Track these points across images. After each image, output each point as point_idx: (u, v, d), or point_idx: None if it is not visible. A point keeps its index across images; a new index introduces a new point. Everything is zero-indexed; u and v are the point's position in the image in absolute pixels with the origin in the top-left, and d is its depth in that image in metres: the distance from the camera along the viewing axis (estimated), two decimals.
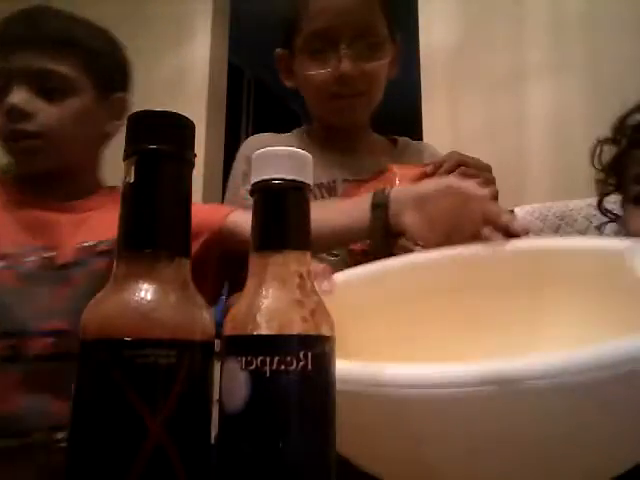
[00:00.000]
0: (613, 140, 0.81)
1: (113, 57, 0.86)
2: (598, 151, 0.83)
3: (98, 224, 0.80)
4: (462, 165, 0.73)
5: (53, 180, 0.81)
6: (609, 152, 0.83)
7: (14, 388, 0.68)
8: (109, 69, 0.84)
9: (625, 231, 0.80)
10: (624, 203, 0.80)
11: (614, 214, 0.84)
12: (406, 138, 0.97)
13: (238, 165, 0.92)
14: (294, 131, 0.96)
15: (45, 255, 0.75)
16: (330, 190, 0.84)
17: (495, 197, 0.69)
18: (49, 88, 0.77)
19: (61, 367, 0.70)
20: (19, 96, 0.75)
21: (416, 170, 0.77)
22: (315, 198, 0.83)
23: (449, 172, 0.72)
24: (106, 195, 0.86)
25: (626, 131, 0.79)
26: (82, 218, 0.81)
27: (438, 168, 0.73)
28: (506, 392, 0.30)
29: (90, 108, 0.81)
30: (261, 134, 0.96)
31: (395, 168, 0.78)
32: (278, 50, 0.90)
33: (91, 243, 0.78)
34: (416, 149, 0.96)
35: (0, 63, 0.77)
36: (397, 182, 0.74)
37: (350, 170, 0.87)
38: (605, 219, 0.86)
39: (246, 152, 0.91)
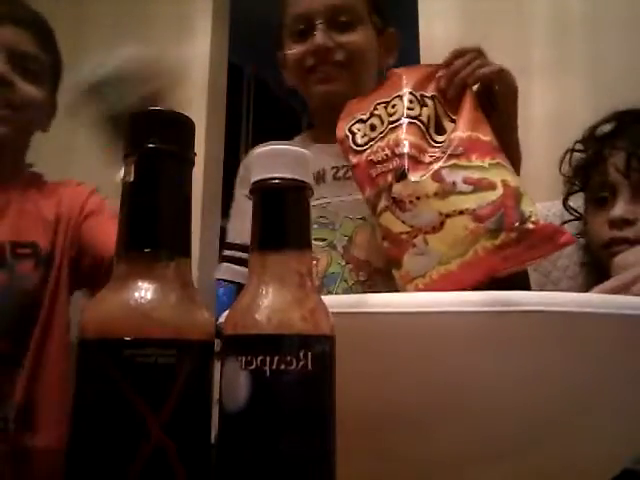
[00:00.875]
0: (582, 149, 0.88)
1: None
2: (568, 157, 0.90)
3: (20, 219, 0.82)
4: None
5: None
6: (578, 155, 0.89)
7: None
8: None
9: (585, 228, 0.87)
10: (587, 203, 0.87)
11: (578, 213, 0.90)
12: None
13: (239, 178, 0.95)
14: (296, 138, 0.97)
15: None
16: (318, 179, 0.85)
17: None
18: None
19: None
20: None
21: (422, 70, 0.73)
22: None
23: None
24: (29, 184, 0.89)
25: (594, 141, 0.84)
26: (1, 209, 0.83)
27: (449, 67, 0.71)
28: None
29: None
30: (264, 144, 0.97)
31: (398, 70, 0.74)
32: (279, 54, 0.92)
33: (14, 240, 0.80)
34: None
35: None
36: (404, 83, 0.71)
37: (338, 156, 0.86)
38: (570, 216, 0.91)
39: (244, 161, 0.95)
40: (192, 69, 2.14)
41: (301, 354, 0.28)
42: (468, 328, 0.32)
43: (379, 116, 0.69)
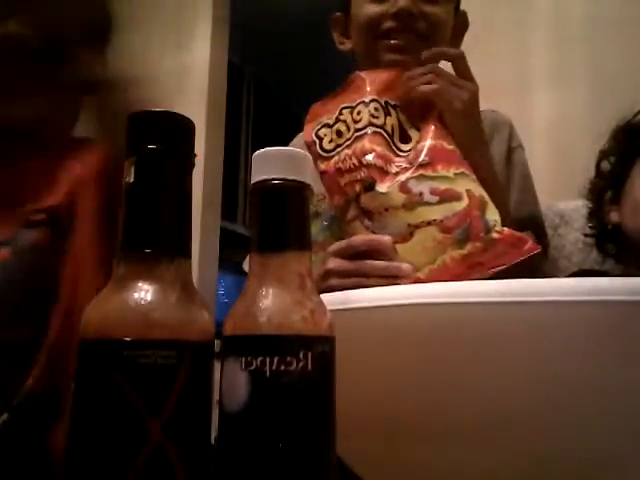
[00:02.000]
0: (614, 149, 0.84)
1: None
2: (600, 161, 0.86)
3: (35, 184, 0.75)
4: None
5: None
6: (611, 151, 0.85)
7: None
8: None
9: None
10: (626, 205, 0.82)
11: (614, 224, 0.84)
12: None
13: None
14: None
15: None
16: None
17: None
18: None
19: None
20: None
21: (386, 75, 0.72)
22: None
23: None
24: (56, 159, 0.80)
25: (627, 139, 0.81)
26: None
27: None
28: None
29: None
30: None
31: (362, 74, 0.72)
32: (336, 14, 0.87)
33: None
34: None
35: None
36: (368, 88, 0.69)
37: None
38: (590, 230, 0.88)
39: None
40: (192, 70, 2.14)
41: (301, 355, 0.28)
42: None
43: (345, 122, 0.68)
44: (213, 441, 0.29)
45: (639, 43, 1.41)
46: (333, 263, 0.63)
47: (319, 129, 0.71)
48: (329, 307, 0.31)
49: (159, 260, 0.29)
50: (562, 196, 1.09)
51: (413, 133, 0.68)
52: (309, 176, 0.32)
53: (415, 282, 0.58)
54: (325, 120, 0.71)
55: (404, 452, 0.35)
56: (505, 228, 0.59)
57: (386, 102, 0.68)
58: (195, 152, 0.31)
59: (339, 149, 0.67)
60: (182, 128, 0.31)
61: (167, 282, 0.29)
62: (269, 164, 0.31)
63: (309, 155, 0.32)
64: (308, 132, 0.71)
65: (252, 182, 0.31)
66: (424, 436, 0.34)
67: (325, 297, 0.32)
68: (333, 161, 0.67)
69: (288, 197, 0.31)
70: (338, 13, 0.87)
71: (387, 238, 0.60)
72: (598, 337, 0.30)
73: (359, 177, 0.63)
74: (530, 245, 0.59)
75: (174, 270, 0.29)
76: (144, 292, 0.28)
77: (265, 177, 0.31)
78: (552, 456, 0.32)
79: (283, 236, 0.31)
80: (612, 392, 0.30)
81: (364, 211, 0.63)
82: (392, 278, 0.58)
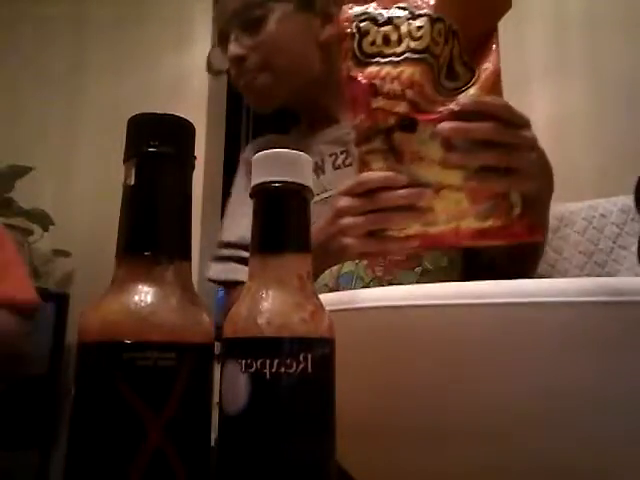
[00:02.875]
0: None
1: None
2: None
3: None
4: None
5: None
6: None
7: None
8: None
9: None
10: None
11: None
12: None
13: (239, 171, 0.92)
14: (292, 130, 0.95)
15: None
16: (317, 170, 0.82)
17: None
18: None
19: None
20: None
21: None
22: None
23: None
24: None
25: None
26: None
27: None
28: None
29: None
30: (261, 138, 0.95)
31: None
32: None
33: None
34: None
35: None
36: None
37: (333, 143, 0.84)
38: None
39: (247, 157, 0.91)
40: (192, 71, 2.14)
41: (301, 357, 0.28)
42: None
43: (398, 28, 0.53)
44: (213, 443, 0.29)
45: (638, 39, 1.41)
46: (344, 201, 0.56)
47: (363, 18, 0.54)
48: (329, 308, 0.31)
49: (159, 262, 0.29)
50: (564, 196, 1.09)
51: (460, 69, 0.55)
52: (309, 178, 0.32)
53: (423, 235, 0.52)
54: (373, 10, 0.54)
55: (403, 455, 0.35)
56: (522, 211, 0.53)
57: (450, 26, 0.54)
58: (195, 154, 0.31)
59: (381, 60, 0.53)
60: (182, 130, 0.31)
61: (167, 284, 0.29)
62: (269, 166, 0.31)
63: (309, 157, 0.32)
64: (347, 16, 0.55)
65: (252, 184, 0.31)
66: (423, 438, 0.34)
67: (325, 297, 0.32)
68: (368, 71, 0.53)
69: (288, 199, 0.31)
70: None
71: (404, 177, 0.52)
72: (598, 338, 0.30)
73: (398, 110, 0.52)
74: (539, 235, 0.55)
75: (174, 272, 0.29)
76: (144, 294, 0.28)
77: (265, 179, 0.31)
78: (551, 458, 0.32)
79: (283, 238, 0.31)
80: (612, 396, 0.30)
81: (393, 149, 0.53)
82: (413, 210, 0.52)
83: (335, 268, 0.75)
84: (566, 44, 1.49)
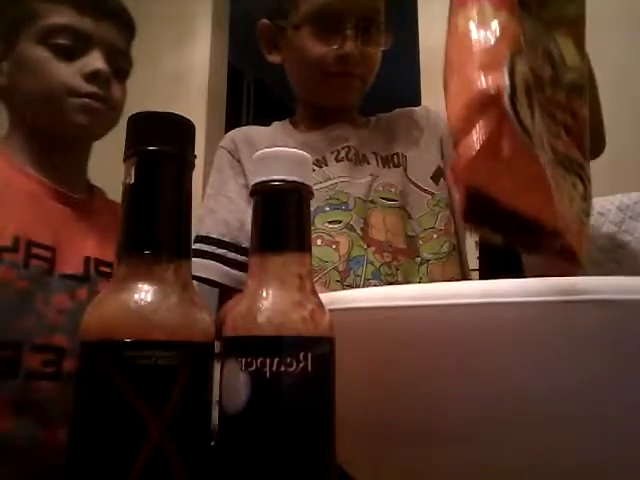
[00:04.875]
0: None
1: None
2: None
3: (104, 236, 0.77)
4: None
5: (78, 156, 0.81)
6: None
7: (4, 407, 0.63)
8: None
9: None
10: None
11: None
12: (380, 114, 0.94)
13: (219, 159, 0.87)
14: (275, 123, 0.93)
15: (49, 256, 0.70)
16: (319, 164, 0.82)
17: None
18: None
19: (56, 389, 0.65)
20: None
21: None
22: None
23: None
24: (102, 199, 0.85)
25: None
26: (89, 221, 0.78)
27: None
28: None
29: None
30: (241, 128, 0.93)
31: None
32: (263, 21, 0.87)
33: (98, 257, 0.75)
34: (394, 116, 0.92)
35: None
36: None
37: (336, 140, 0.85)
38: None
39: (228, 146, 0.87)
40: (192, 71, 2.14)
41: (301, 356, 0.28)
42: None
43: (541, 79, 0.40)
44: (213, 442, 0.29)
45: (635, 39, 1.41)
46: None
47: (513, 69, 0.32)
48: (329, 307, 0.31)
49: (159, 262, 0.29)
50: None
51: None
52: (309, 177, 0.32)
53: None
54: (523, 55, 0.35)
55: (403, 455, 0.35)
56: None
57: None
58: (195, 153, 0.31)
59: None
60: (182, 129, 0.31)
61: (167, 283, 0.29)
62: (269, 165, 0.31)
63: (309, 156, 0.32)
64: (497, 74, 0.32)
65: (252, 183, 0.31)
66: (423, 439, 0.34)
67: (325, 297, 0.32)
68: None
69: (288, 198, 0.31)
70: (266, 20, 0.87)
71: None
72: (597, 338, 0.30)
73: None
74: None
75: (174, 271, 0.29)
76: (144, 293, 0.28)
77: (265, 178, 0.31)
78: (549, 460, 0.32)
79: (283, 237, 0.31)
80: (607, 395, 0.30)
81: None
82: None
83: (344, 252, 0.75)
84: None
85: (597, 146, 0.69)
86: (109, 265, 0.77)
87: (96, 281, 0.74)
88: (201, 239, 0.79)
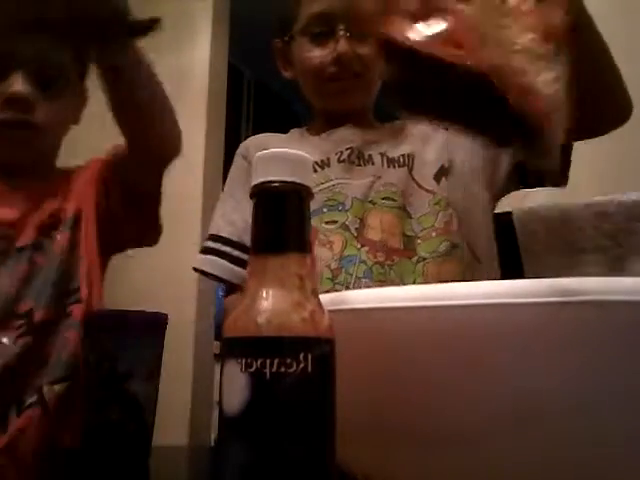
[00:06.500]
0: None
1: None
2: None
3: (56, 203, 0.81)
4: None
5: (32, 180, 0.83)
6: None
7: None
8: None
9: None
10: None
11: None
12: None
13: (233, 164, 0.92)
14: (292, 130, 0.96)
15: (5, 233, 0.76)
16: (323, 165, 0.83)
17: None
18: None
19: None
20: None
21: None
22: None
23: None
24: (61, 179, 0.86)
25: None
26: (41, 200, 0.81)
27: None
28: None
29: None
30: (258, 135, 0.96)
31: None
32: (276, 41, 0.90)
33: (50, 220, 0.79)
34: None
35: None
36: None
37: (341, 141, 0.85)
38: None
39: (242, 152, 0.91)
40: (193, 70, 2.15)
41: (301, 356, 0.28)
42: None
43: None
44: (213, 442, 0.29)
45: (639, 39, 1.41)
46: None
47: None
48: (328, 308, 0.31)
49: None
50: (562, 195, 1.10)
51: None
52: (309, 178, 0.32)
53: None
54: None
55: (403, 456, 0.35)
56: None
57: None
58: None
59: None
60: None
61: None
62: (269, 166, 0.31)
63: (309, 157, 0.32)
64: None
65: (252, 184, 0.31)
66: (422, 439, 0.34)
67: (324, 298, 0.32)
68: None
69: (287, 199, 0.31)
70: (277, 40, 0.90)
71: None
72: (596, 339, 0.30)
73: None
74: None
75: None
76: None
77: (264, 179, 0.31)
78: (548, 462, 0.32)
79: (282, 238, 0.31)
80: (606, 396, 0.30)
81: None
82: None
83: (337, 250, 0.76)
84: None
85: (618, 109, 0.69)
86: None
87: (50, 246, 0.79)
88: (210, 237, 0.86)
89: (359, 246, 0.76)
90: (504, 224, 0.99)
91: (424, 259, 0.77)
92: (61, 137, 0.86)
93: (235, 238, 0.83)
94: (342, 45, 0.81)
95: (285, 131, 0.98)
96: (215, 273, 0.82)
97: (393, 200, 0.79)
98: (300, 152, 0.32)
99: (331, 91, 0.85)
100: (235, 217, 0.84)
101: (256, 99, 3.52)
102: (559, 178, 0.78)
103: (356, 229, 0.77)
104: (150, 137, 0.78)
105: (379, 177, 0.81)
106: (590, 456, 0.31)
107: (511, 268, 0.81)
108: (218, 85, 2.24)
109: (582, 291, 0.30)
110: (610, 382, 0.30)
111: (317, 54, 0.83)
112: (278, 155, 0.31)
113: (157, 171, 0.83)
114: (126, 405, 0.47)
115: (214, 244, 0.84)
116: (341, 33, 0.81)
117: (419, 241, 0.77)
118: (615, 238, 0.90)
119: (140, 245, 0.90)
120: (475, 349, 0.31)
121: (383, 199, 0.79)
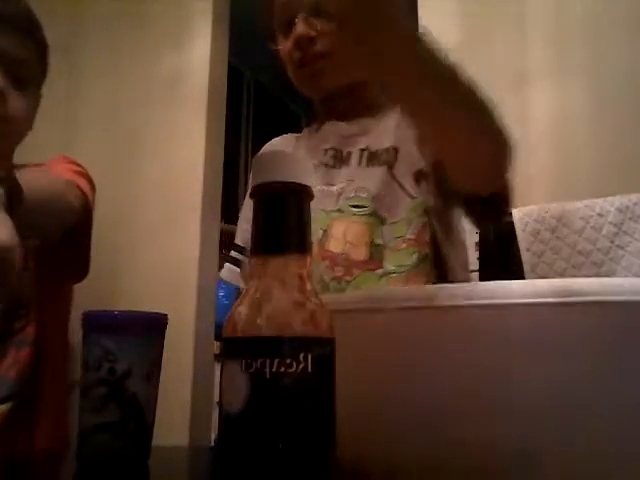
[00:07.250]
0: None
1: None
2: None
3: None
4: None
5: None
6: None
7: None
8: None
9: None
10: None
11: None
12: None
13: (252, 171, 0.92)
14: (305, 129, 0.93)
15: None
16: (337, 158, 0.82)
17: None
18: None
19: None
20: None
21: None
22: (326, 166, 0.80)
23: None
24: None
25: None
26: None
27: None
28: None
29: None
30: (276, 138, 0.94)
31: None
32: (273, 47, 0.89)
33: None
34: None
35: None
36: None
37: (321, 143, 0.83)
38: None
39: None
40: (192, 70, 2.14)
41: (301, 356, 0.28)
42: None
43: None
44: (213, 442, 0.29)
45: (639, 39, 1.41)
46: None
47: None
48: (329, 308, 0.31)
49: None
50: (563, 195, 1.09)
51: None
52: (309, 179, 0.32)
53: None
54: None
55: (402, 454, 0.35)
56: None
57: None
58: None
59: None
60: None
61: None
62: (269, 167, 0.31)
63: (308, 158, 0.32)
64: None
65: (252, 185, 0.31)
66: (422, 439, 0.34)
67: (325, 298, 0.32)
68: None
69: (287, 200, 0.31)
70: (272, 44, 0.89)
71: None
72: (595, 339, 0.30)
73: None
74: None
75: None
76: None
77: (265, 180, 0.31)
78: (549, 460, 0.32)
79: (283, 239, 0.31)
80: (606, 397, 0.30)
81: None
82: None
83: None
84: (566, 44, 1.49)
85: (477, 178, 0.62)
86: None
87: None
88: (233, 246, 0.90)
89: (320, 260, 0.74)
90: (504, 224, 0.99)
91: (390, 273, 0.74)
92: (24, 135, 0.86)
93: (246, 244, 0.85)
94: (298, 28, 0.79)
95: (285, 131, 0.97)
96: (228, 280, 0.87)
97: (364, 207, 0.76)
98: (300, 153, 0.32)
99: (303, 77, 0.83)
100: (246, 226, 0.86)
101: (256, 99, 3.52)
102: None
103: (319, 240, 0.75)
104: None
105: (352, 180, 0.78)
106: (589, 454, 0.31)
107: (511, 268, 0.81)
108: (218, 85, 2.23)
109: (582, 291, 0.30)
110: (609, 381, 0.30)
111: (285, 45, 0.82)
112: (277, 156, 0.31)
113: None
114: (126, 405, 0.47)
115: (233, 252, 0.89)
116: (300, 16, 0.79)
117: (388, 252, 0.74)
118: (614, 239, 0.90)
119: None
120: (475, 349, 0.31)
121: (352, 207, 0.76)
